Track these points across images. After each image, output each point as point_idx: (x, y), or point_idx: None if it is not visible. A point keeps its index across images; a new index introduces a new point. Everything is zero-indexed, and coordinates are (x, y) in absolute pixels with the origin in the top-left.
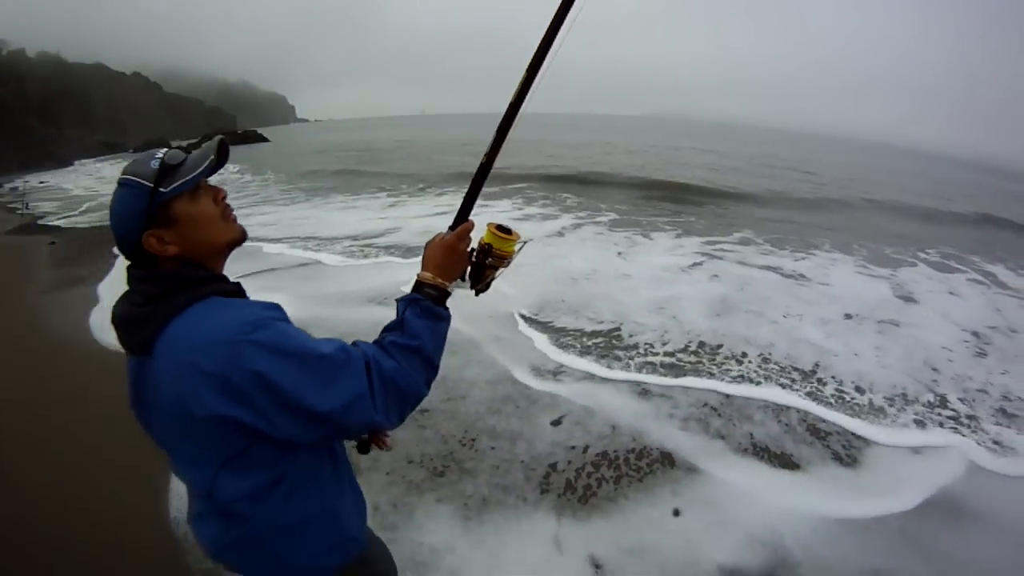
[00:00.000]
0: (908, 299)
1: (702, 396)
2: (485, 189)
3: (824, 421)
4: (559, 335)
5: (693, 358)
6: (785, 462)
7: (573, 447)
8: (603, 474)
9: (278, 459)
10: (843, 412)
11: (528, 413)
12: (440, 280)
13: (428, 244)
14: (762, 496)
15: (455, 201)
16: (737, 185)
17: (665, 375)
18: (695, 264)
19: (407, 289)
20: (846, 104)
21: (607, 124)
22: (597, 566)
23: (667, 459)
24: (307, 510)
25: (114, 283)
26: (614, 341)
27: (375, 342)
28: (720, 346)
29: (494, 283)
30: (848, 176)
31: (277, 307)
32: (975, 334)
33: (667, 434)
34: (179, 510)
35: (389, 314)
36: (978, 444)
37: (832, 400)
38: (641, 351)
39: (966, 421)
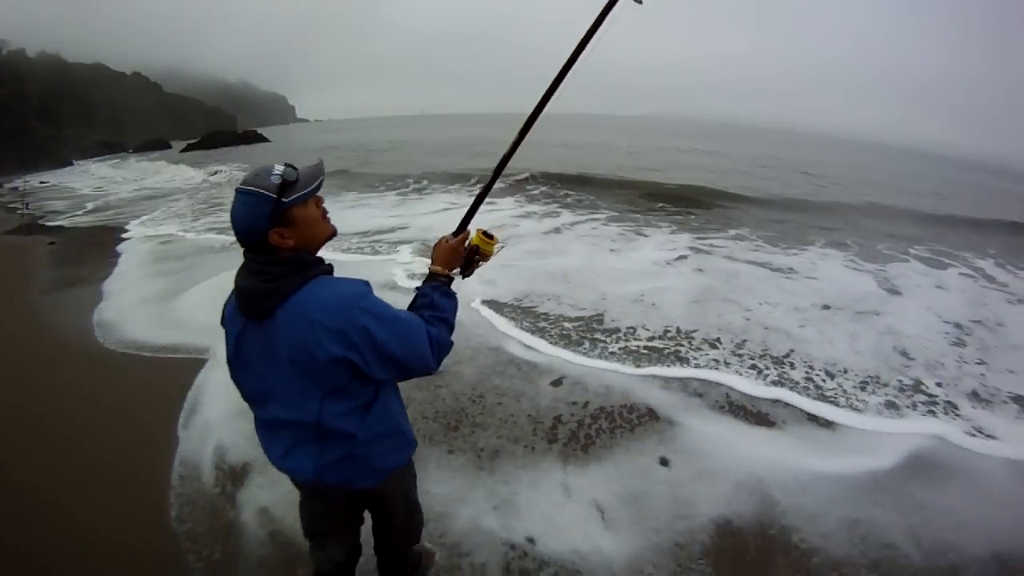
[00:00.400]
0: (893, 292)
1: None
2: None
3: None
4: (537, 319)
5: (670, 343)
6: (762, 420)
7: (574, 403)
8: (601, 425)
9: (366, 391)
10: (812, 397)
11: (529, 376)
12: (446, 271)
13: (436, 245)
14: (744, 448)
15: (456, 199)
16: (738, 186)
17: (637, 363)
18: (681, 258)
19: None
20: (846, 104)
21: (606, 124)
22: (601, 511)
23: (651, 414)
24: (385, 426)
25: (118, 282)
26: (593, 325)
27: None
28: (695, 331)
29: (477, 271)
30: (849, 177)
31: (367, 283)
32: (957, 326)
33: (649, 392)
34: (180, 509)
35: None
36: (941, 418)
37: (803, 383)
38: (623, 335)
39: (933, 402)
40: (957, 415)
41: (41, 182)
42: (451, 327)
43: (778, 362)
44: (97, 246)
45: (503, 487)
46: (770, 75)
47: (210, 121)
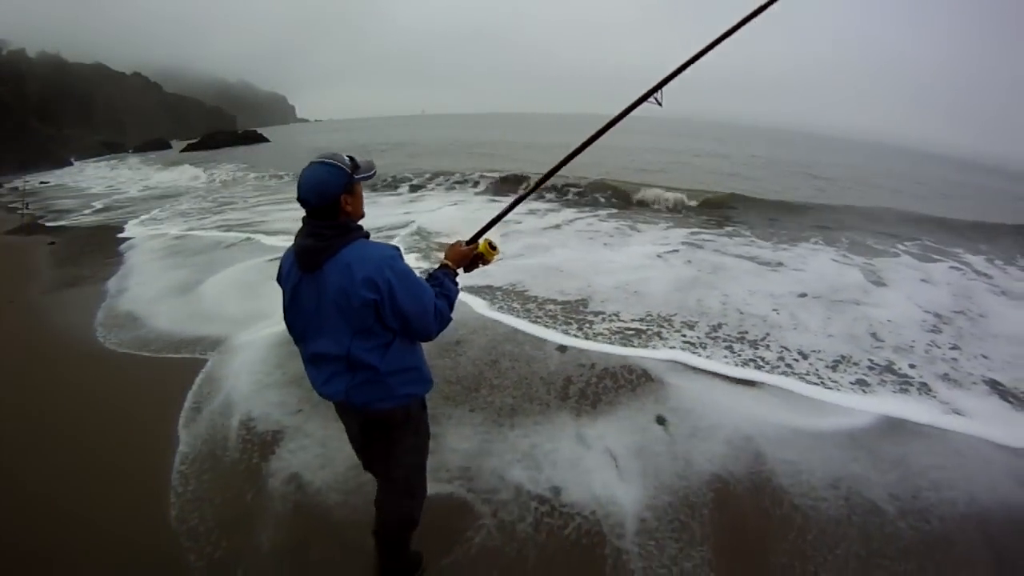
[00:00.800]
0: (879, 283)
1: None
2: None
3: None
4: (526, 302)
5: (646, 326)
6: (744, 382)
7: (581, 364)
8: (606, 384)
9: (386, 333)
10: (781, 373)
11: (537, 343)
12: (455, 266)
13: (452, 246)
14: (730, 408)
15: (456, 198)
16: (739, 188)
17: (619, 343)
18: (673, 251)
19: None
20: (846, 104)
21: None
22: (615, 458)
23: (647, 375)
24: (402, 363)
25: (122, 282)
26: (580, 308)
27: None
28: (674, 315)
29: (476, 270)
30: (849, 178)
31: (398, 249)
32: (937, 315)
33: (641, 360)
34: (180, 509)
35: None
36: (910, 396)
37: (774, 362)
38: (607, 318)
39: (905, 381)
40: (928, 393)
41: (41, 182)
42: (452, 306)
43: (752, 344)
44: (98, 246)
45: (523, 441)
46: (769, 76)
47: (210, 121)
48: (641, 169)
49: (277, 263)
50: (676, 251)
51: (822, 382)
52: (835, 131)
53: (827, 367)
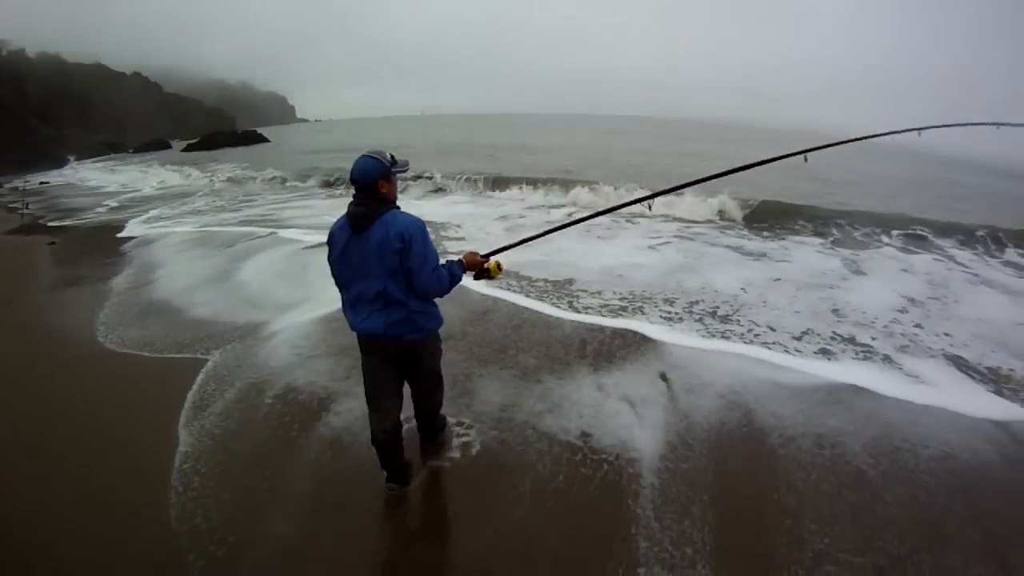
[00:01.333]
0: (857, 272)
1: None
2: (510, 187)
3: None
4: (520, 280)
5: (626, 303)
6: (747, 340)
7: (591, 329)
8: (617, 343)
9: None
10: (747, 342)
11: (553, 310)
12: (466, 266)
13: (470, 253)
14: (720, 363)
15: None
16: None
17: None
18: (664, 243)
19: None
20: (846, 104)
21: (606, 125)
22: (632, 404)
23: (646, 338)
24: (426, 304)
25: (127, 281)
26: (569, 287)
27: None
28: (653, 295)
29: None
30: (850, 180)
31: (423, 222)
32: (910, 299)
33: (640, 325)
34: (179, 508)
35: None
36: (869, 363)
37: (745, 334)
38: (590, 295)
39: (868, 351)
40: (885, 362)
41: (41, 182)
42: (451, 284)
43: (723, 319)
44: (97, 246)
45: (551, 392)
46: (769, 76)
47: (210, 121)
48: (661, 174)
49: (306, 253)
50: (668, 243)
51: (787, 350)
52: (835, 132)
53: (793, 338)
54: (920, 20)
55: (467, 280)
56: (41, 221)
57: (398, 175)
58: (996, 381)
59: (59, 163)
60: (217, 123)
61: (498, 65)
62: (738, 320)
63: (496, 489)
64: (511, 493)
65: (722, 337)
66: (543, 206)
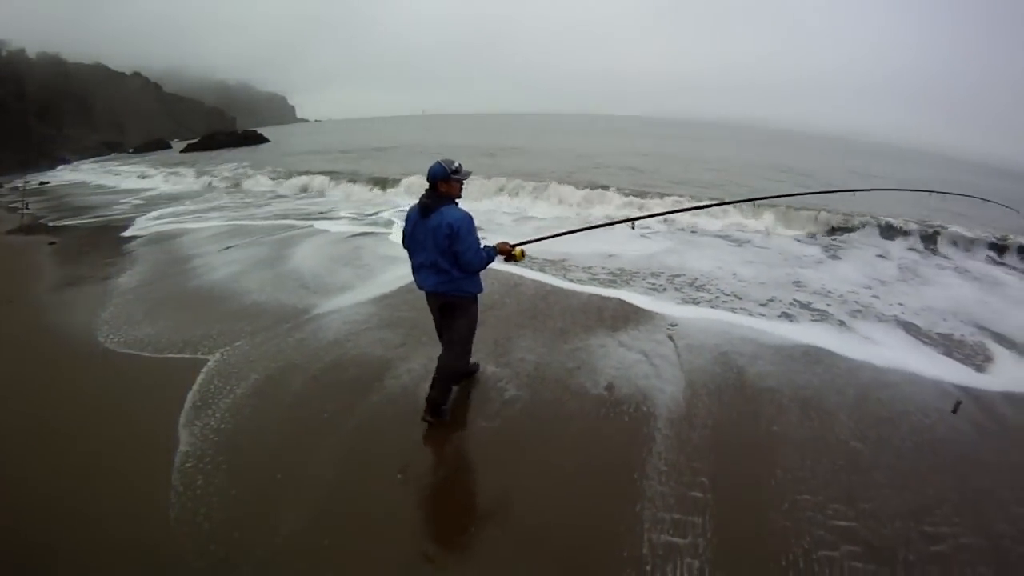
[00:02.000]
0: (833, 257)
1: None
2: (524, 188)
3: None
4: (544, 265)
5: (614, 277)
6: (714, 305)
7: (605, 298)
8: (628, 310)
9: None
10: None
11: (570, 285)
12: (498, 250)
13: (503, 242)
14: (710, 326)
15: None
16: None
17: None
18: (655, 232)
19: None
20: (850, 105)
21: (606, 125)
22: (646, 355)
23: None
24: (466, 274)
25: (129, 281)
26: (566, 263)
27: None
28: (637, 272)
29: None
30: (849, 181)
31: (471, 215)
32: (879, 280)
33: (637, 298)
34: (179, 508)
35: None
36: (825, 325)
37: (714, 301)
38: (581, 270)
39: (823, 315)
40: (842, 325)
41: (41, 183)
42: (487, 263)
43: (697, 288)
44: (97, 247)
45: (580, 352)
46: (769, 76)
47: (210, 121)
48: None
49: (343, 243)
50: (659, 232)
51: (749, 313)
52: (835, 132)
53: (759, 304)
54: (920, 21)
55: (498, 262)
56: (42, 221)
57: (458, 179)
58: (945, 344)
59: (59, 163)
60: (217, 123)
61: (498, 65)
62: (708, 289)
63: (536, 426)
64: (550, 429)
65: (709, 306)
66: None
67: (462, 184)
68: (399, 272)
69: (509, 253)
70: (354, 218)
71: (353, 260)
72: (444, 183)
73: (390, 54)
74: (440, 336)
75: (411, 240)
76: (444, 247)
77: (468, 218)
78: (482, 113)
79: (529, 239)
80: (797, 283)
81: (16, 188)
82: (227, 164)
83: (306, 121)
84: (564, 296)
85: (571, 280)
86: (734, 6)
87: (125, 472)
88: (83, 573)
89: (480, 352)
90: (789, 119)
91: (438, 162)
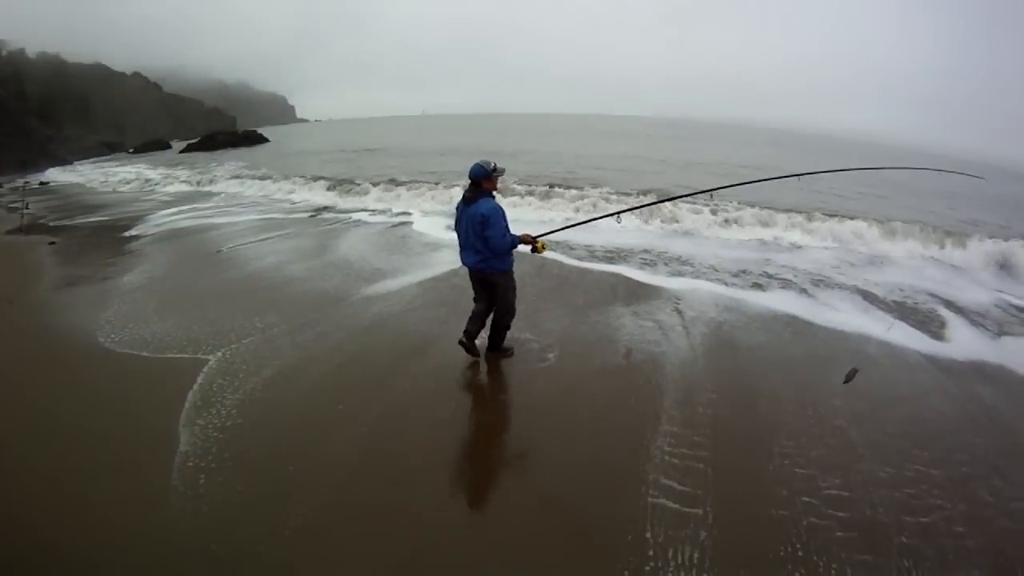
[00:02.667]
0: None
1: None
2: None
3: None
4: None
5: (610, 254)
6: (699, 276)
7: (615, 275)
8: (638, 290)
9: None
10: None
11: (581, 270)
12: (523, 243)
13: (526, 233)
14: (696, 293)
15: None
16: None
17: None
18: (648, 220)
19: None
20: (845, 105)
21: (601, 125)
22: (658, 321)
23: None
24: (507, 255)
25: (131, 282)
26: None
27: (506, 236)
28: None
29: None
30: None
31: (501, 208)
32: (843, 260)
33: (632, 271)
34: (178, 506)
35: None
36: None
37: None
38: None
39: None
40: (804, 293)
41: (41, 183)
42: (512, 248)
43: (681, 263)
44: (96, 247)
45: (601, 326)
46: (766, 76)
47: (210, 121)
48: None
49: (383, 234)
50: (650, 220)
51: (725, 283)
52: (834, 132)
53: (732, 275)
54: (918, 20)
55: (525, 249)
56: (42, 221)
57: (497, 176)
58: (899, 311)
59: (61, 163)
60: (217, 123)
61: (498, 65)
62: (691, 264)
63: (564, 378)
64: (578, 379)
65: (676, 274)
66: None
67: (498, 180)
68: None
69: (532, 243)
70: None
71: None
72: (486, 180)
73: (390, 54)
74: (476, 299)
75: (457, 225)
76: (479, 232)
77: (498, 209)
78: (482, 113)
79: (545, 232)
80: (768, 260)
81: (16, 188)
82: (229, 164)
83: (306, 121)
84: (579, 272)
85: (577, 259)
86: (733, 6)
87: (126, 472)
88: (84, 572)
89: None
90: (809, 121)
91: (478, 163)
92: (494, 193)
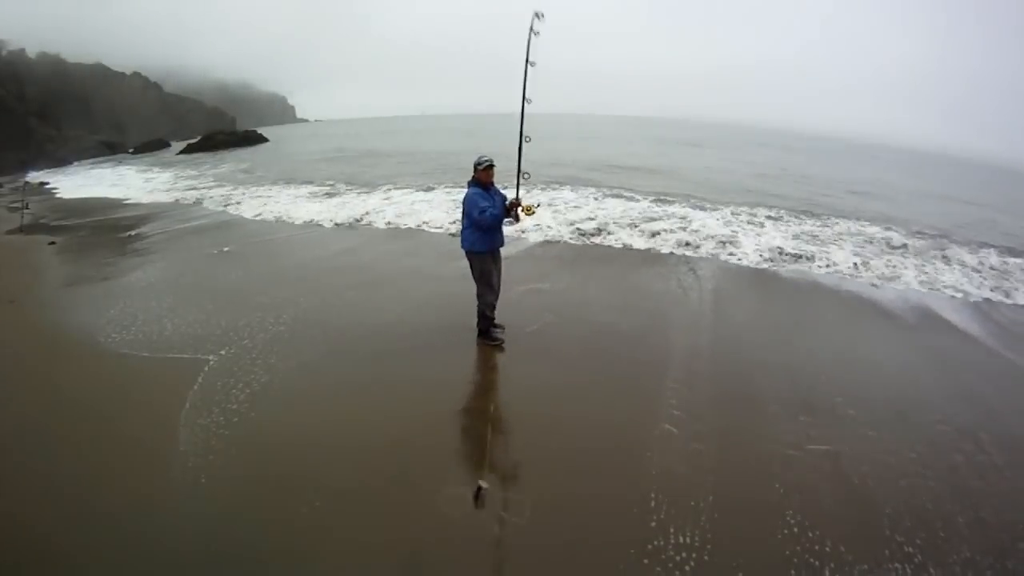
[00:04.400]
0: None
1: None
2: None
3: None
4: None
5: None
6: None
7: (625, 245)
8: (653, 270)
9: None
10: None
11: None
12: (509, 209)
13: (512, 200)
14: (703, 264)
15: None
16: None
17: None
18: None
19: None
20: (841, 105)
21: (594, 124)
22: (681, 281)
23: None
24: (483, 235)
25: (132, 282)
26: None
27: (484, 212)
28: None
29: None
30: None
31: (479, 192)
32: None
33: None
34: (179, 506)
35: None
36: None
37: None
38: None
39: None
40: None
41: (41, 183)
42: (492, 220)
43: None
44: (96, 247)
45: (620, 279)
46: (763, 76)
47: (210, 121)
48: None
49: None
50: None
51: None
52: (832, 132)
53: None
54: (915, 20)
55: (510, 230)
56: (42, 221)
57: (481, 169)
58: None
59: (61, 163)
60: (217, 123)
61: (494, 66)
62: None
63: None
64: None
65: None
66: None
67: (489, 174)
68: None
69: (515, 207)
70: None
71: None
72: (483, 172)
73: (390, 54)
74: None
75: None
76: (464, 214)
77: (472, 194)
78: (483, 113)
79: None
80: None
81: (16, 188)
82: (227, 165)
83: (306, 121)
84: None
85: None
86: (732, 6)
87: (126, 471)
88: (85, 572)
89: (532, 281)
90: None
91: (483, 156)
92: (493, 183)
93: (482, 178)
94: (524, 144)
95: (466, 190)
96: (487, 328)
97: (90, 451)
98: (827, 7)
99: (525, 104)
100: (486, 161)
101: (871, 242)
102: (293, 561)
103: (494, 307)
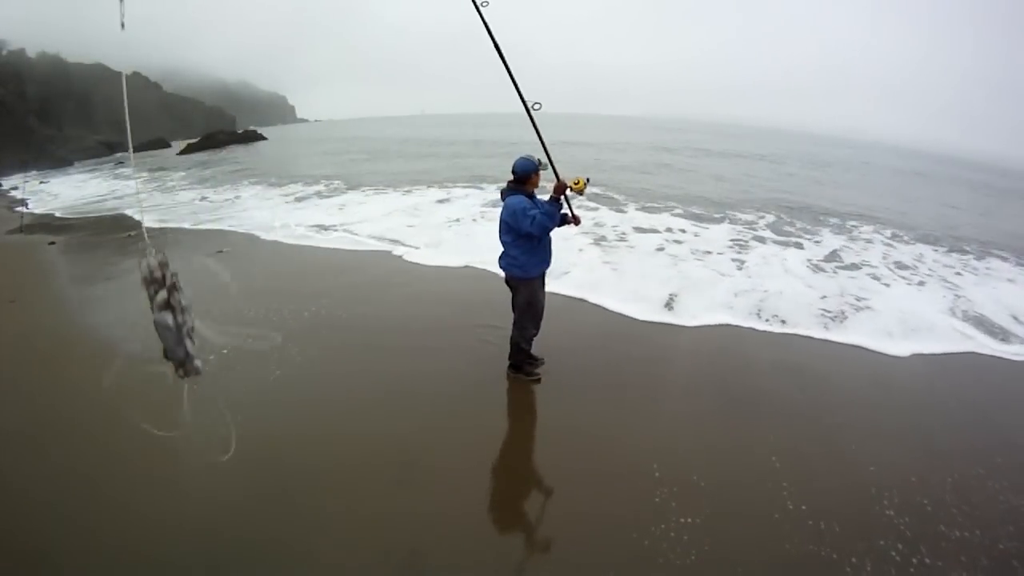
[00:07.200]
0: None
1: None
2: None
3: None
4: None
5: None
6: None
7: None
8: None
9: (520, 238)
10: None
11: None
12: (556, 194)
13: (557, 183)
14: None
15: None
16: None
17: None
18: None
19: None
20: (836, 104)
21: (596, 124)
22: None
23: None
24: (531, 257)
25: (132, 282)
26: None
27: (540, 211)
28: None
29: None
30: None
31: (526, 200)
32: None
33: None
34: (181, 505)
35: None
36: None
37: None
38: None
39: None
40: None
41: (41, 183)
42: (549, 221)
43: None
44: (95, 247)
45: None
46: (762, 76)
47: (210, 121)
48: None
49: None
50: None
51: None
52: (830, 132)
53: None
54: (913, 20)
55: (565, 230)
56: (42, 221)
57: (538, 172)
58: None
59: (62, 163)
60: (217, 123)
61: (492, 66)
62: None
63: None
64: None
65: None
66: None
67: (535, 177)
68: None
69: (562, 191)
70: None
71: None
72: (524, 176)
73: (390, 54)
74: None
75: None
76: (509, 230)
77: (521, 202)
78: (482, 113)
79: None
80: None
81: (17, 188)
82: (226, 165)
83: (306, 121)
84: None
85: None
86: (729, 5)
87: (127, 471)
88: (87, 572)
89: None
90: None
91: (522, 157)
92: (535, 194)
93: (534, 183)
94: (534, 111)
95: (503, 201)
96: (521, 363)
97: (90, 451)
98: (827, 7)
99: (516, 80)
100: (536, 160)
101: None
102: (297, 561)
103: (531, 341)
